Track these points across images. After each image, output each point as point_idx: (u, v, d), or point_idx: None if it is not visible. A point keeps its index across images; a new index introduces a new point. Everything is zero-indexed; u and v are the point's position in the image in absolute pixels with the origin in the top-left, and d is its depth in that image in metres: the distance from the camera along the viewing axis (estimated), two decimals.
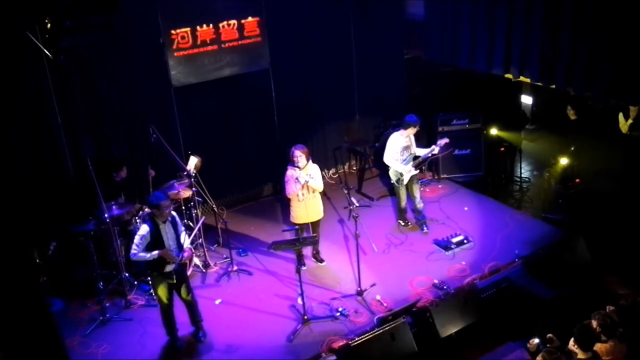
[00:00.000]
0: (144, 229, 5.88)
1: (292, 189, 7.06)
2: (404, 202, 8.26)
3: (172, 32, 7.99)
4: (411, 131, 7.83)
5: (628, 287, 6.53)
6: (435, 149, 7.85)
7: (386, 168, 8.19)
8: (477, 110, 9.73)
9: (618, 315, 5.56)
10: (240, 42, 8.54)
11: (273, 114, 9.30)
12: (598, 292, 6.51)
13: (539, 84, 7.96)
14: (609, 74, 6.64)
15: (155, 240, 5.89)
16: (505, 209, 8.78)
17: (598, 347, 5.14)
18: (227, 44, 8.45)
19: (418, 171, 8.11)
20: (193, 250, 6.17)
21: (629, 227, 7.52)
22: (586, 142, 8.61)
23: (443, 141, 7.86)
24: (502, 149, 9.60)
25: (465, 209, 8.84)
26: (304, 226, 7.29)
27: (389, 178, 8.29)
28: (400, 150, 7.89)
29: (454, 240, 7.85)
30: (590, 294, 6.40)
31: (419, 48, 9.87)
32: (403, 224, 8.44)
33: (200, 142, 8.54)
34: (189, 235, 6.47)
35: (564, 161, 8.55)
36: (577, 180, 8.61)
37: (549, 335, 5.52)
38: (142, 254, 5.87)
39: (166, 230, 5.97)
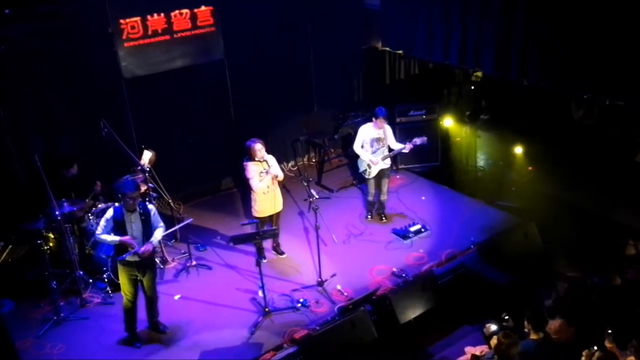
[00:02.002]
0: (109, 212, 6.15)
1: (260, 184, 7.24)
2: (371, 195, 8.58)
3: (122, 21, 7.95)
4: (380, 123, 8.07)
5: (576, 270, 7.04)
6: (408, 146, 8.11)
7: (354, 159, 8.43)
8: (434, 101, 10.12)
9: (567, 296, 6.05)
10: (193, 32, 8.58)
11: (229, 106, 9.44)
12: (549, 275, 7.00)
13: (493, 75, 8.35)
14: (563, 65, 7.04)
15: (117, 227, 6.10)
16: (461, 197, 9.27)
17: (548, 325, 5.58)
18: (179, 34, 8.47)
19: (388, 165, 8.38)
20: (154, 246, 6.29)
21: (577, 213, 8.09)
22: (539, 131, 9.16)
23: (419, 140, 8.14)
24: (458, 139, 10.05)
25: (423, 198, 9.26)
26: (265, 219, 7.49)
27: (356, 168, 8.60)
28: (369, 141, 8.17)
29: (412, 229, 8.24)
30: (542, 278, 6.89)
31: (377, 39, 10.16)
32: (369, 217, 8.76)
33: (154, 136, 8.60)
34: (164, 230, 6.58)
35: (518, 150, 9.06)
36: (530, 168, 9.15)
37: (504, 316, 5.95)
38: (104, 236, 6.12)
39: (132, 220, 6.13)
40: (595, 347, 4.97)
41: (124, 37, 8.05)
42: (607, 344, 5.25)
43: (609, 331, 5.33)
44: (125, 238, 6.08)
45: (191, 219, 7.62)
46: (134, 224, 6.15)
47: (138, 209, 6.17)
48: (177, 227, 7.22)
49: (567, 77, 6.95)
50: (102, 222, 6.15)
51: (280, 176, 7.38)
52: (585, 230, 7.67)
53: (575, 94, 7.31)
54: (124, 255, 6.13)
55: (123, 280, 6.31)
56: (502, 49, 7.64)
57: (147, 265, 6.31)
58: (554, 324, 5.56)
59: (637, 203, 7.90)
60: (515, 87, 8.65)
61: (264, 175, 7.20)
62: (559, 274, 6.99)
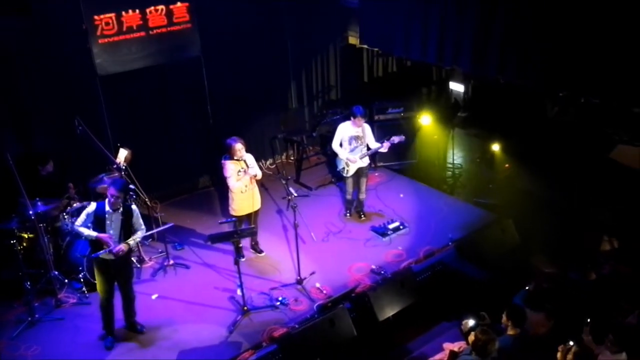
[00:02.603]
0: (91, 206, 6.14)
1: (238, 183, 7.22)
2: (349, 194, 8.63)
3: (96, 17, 7.86)
4: (359, 122, 8.10)
5: (553, 265, 7.18)
6: (386, 145, 8.16)
7: (332, 157, 8.46)
8: (412, 99, 10.21)
9: (544, 292, 6.16)
10: (169, 29, 8.51)
11: (206, 104, 9.41)
12: (526, 271, 7.12)
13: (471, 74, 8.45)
14: (540, 63, 7.14)
15: (96, 223, 6.08)
16: (438, 194, 9.39)
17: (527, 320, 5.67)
18: (155, 31, 8.40)
19: (366, 164, 8.43)
20: (127, 247, 6.24)
21: (554, 209, 8.24)
22: (516, 129, 9.30)
23: (397, 138, 8.20)
24: (436, 136, 10.16)
25: (401, 195, 9.34)
26: (242, 218, 7.49)
27: (335, 166, 8.62)
28: (348, 139, 8.21)
29: (391, 226, 8.31)
30: (519, 274, 7.00)
31: (355, 36, 10.19)
32: (348, 215, 8.80)
33: (130, 134, 8.56)
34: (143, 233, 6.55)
35: (495, 147, 9.20)
36: (507, 165, 9.29)
37: (482, 313, 6.03)
38: (81, 229, 6.09)
39: (112, 219, 6.09)
40: (572, 342, 5.07)
41: (98, 33, 7.96)
42: (584, 338, 5.36)
43: (586, 326, 5.45)
44: (102, 235, 6.04)
45: (172, 224, 7.57)
46: (113, 222, 6.12)
47: (121, 208, 6.12)
48: (155, 230, 7.16)
49: (543, 75, 7.06)
50: (83, 215, 6.15)
51: (259, 175, 7.39)
52: (561, 226, 7.82)
53: (551, 91, 7.43)
54: (99, 253, 6.09)
55: (98, 278, 6.29)
56: (479, 47, 7.72)
57: (122, 265, 6.27)
58: (532, 319, 5.66)
59: (612, 200, 8.08)
60: (492, 84, 8.77)
61: (242, 175, 7.19)
62: (536, 270, 7.10)
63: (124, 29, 8.15)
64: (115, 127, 8.49)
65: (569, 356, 4.95)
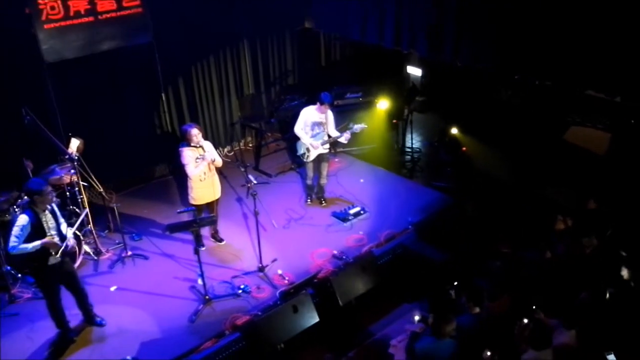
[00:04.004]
0: (23, 219, 5.73)
1: (196, 170, 7.17)
2: (309, 179, 8.69)
3: (40, 1, 7.64)
4: (324, 108, 8.12)
5: (509, 245, 7.43)
6: (348, 135, 8.23)
7: (292, 143, 8.47)
8: (370, 83, 10.32)
9: (502, 271, 6.39)
10: (118, 14, 8.37)
11: (160, 90, 9.31)
12: (484, 251, 7.35)
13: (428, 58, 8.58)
14: (494, 47, 7.30)
15: (36, 231, 5.77)
16: (398, 178, 9.58)
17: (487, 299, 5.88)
18: (104, 15, 8.25)
19: (327, 150, 8.50)
20: (75, 240, 6.14)
21: (510, 191, 8.52)
22: (472, 112, 9.54)
23: (358, 127, 8.28)
24: (395, 121, 10.31)
25: (361, 180, 9.48)
26: (203, 207, 7.46)
27: (295, 151, 8.67)
28: (310, 124, 8.25)
29: (351, 211, 8.44)
30: (477, 254, 7.23)
31: (311, 20, 10.20)
32: (309, 201, 8.88)
33: (82, 123, 8.40)
34: (73, 225, 6.46)
35: (453, 131, 9.42)
36: (464, 148, 9.53)
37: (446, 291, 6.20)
38: (23, 246, 5.70)
39: (47, 220, 5.89)
40: (527, 320, 5.29)
41: (44, 18, 7.75)
42: (540, 314, 5.60)
43: (540, 303, 5.69)
44: (47, 240, 5.81)
45: (87, 210, 7.40)
46: (50, 222, 5.92)
47: (49, 206, 5.92)
48: (81, 217, 7.03)
49: (498, 58, 7.25)
50: (16, 231, 5.67)
51: (219, 162, 7.37)
52: (517, 207, 8.09)
53: (505, 74, 7.63)
54: (51, 260, 5.90)
55: (44, 281, 6.10)
56: (435, 31, 7.86)
57: (66, 265, 6.16)
58: (493, 297, 5.87)
59: (566, 180, 8.40)
60: (449, 68, 8.94)
61: (200, 162, 7.16)
62: (493, 249, 7.34)
63: (71, 13, 7.98)
64: (65, 116, 8.32)
65: (526, 332, 5.19)
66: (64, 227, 6.13)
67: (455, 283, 6.19)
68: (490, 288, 5.95)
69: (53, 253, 5.88)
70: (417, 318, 5.96)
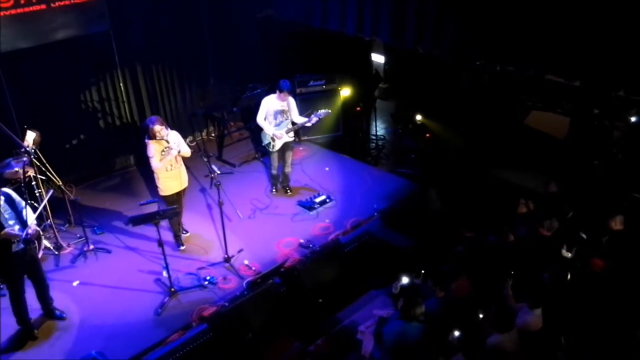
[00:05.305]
0: None
1: (160, 164, 7.08)
2: (274, 169, 8.70)
3: None
4: (284, 96, 8.13)
5: (473, 230, 7.61)
6: (314, 119, 8.28)
7: (255, 132, 8.44)
8: (333, 71, 10.35)
9: (465, 255, 6.55)
10: (72, 1, 8.23)
11: (118, 80, 9.19)
12: (448, 237, 7.51)
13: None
14: (456, 33, 7.39)
15: None
16: (363, 166, 9.69)
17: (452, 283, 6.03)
18: (57, 3, 8.09)
19: (292, 139, 8.52)
20: (38, 228, 6.07)
21: (473, 176, 8.70)
22: (435, 99, 9.69)
23: (323, 112, 8.31)
24: (359, 108, 10.39)
25: (327, 169, 9.55)
26: (172, 197, 7.35)
27: (260, 141, 8.66)
28: (273, 114, 8.24)
29: (317, 200, 8.51)
30: (442, 239, 7.39)
31: (273, 7, 10.18)
32: (274, 190, 8.89)
33: (38, 115, 8.26)
34: (36, 211, 6.37)
35: (416, 117, 9.56)
36: (427, 135, 9.68)
37: (413, 276, 6.33)
38: None
39: (1, 211, 5.82)
40: (492, 303, 5.45)
41: None
42: (505, 296, 5.78)
43: (506, 285, 5.87)
44: (6, 231, 5.75)
45: (52, 191, 7.32)
46: (5, 212, 5.84)
47: (2, 197, 5.85)
48: (45, 201, 6.94)
49: (460, 45, 7.37)
50: None
51: (185, 152, 7.28)
52: (479, 192, 8.28)
53: (468, 61, 7.77)
54: (13, 249, 5.84)
55: (9, 274, 6.04)
56: (397, 18, 7.92)
57: (30, 255, 6.09)
58: (456, 281, 6.02)
59: (527, 164, 8.62)
60: (411, 55, 9.05)
61: (166, 154, 7.08)
62: (457, 234, 7.50)
63: (22, 1, 7.80)
64: (20, 107, 8.15)
65: (491, 316, 5.36)
66: (25, 212, 6.04)
67: (423, 271, 6.32)
68: (452, 271, 6.13)
69: (15, 242, 5.82)
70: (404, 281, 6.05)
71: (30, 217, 6.04)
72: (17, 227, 5.86)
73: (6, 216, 5.83)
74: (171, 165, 7.19)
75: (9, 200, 5.92)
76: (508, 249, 6.64)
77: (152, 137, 6.99)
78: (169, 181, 7.28)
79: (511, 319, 5.26)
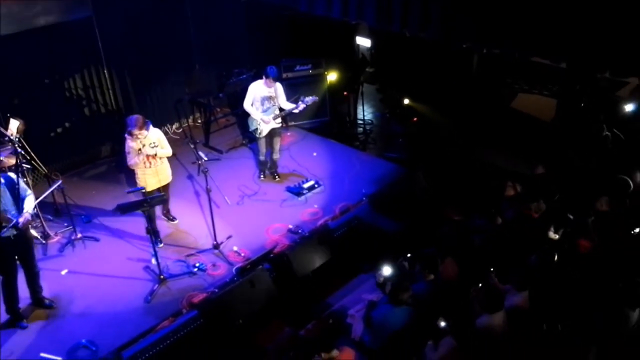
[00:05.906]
0: None
1: (135, 161, 7.00)
2: (262, 155, 8.70)
3: None
4: (271, 82, 8.11)
5: (461, 213, 7.68)
6: (301, 106, 8.28)
7: (242, 118, 8.41)
8: (319, 55, 10.32)
9: (453, 238, 6.62)
10: None
11: (102, 67, 9.11)
12: (436, 220, 7.58)
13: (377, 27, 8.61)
14: (442, 16, 7.40)
15: None
16: (351, 151, 9.72)
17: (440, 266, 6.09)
18: None
19: (279, 125, 8.50)
20: (29, 216, 6.06)
21: (460, 159, 8.76)
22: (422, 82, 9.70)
23: (311, 99, 8.31)
24: (345, 93, 10.39)
25: (315, 154, 9.56)
26: (153, 192, 7.27)
27: (247, 127, 8.64)
28: (260, 100, 8.22)
29: (306, 185, 8.54)
30: (430, 223, 7.45)
31: None
32: (262, 176, 8.89)
33: (21, 103, 8.20)
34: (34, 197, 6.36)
35: (403, 101, 9.59)
36: (414, 119, 9.72)
37: (400, 261, 6.39)
38: None
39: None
40: (481, 284, 5.52)
41: None
42: (492, 280, 5.84)
43: (493, 267, 5.94)
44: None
45: (60, 181, 7.35)
46: (3, 197, 5.87)
47: (2, 180, 5.88)
48: (50, 190, 6.92)
49: (446, 27, 7.37)
50: None
51: (165, 153, 7.15)
52: (467, 175, 8.34)
53: (454, 43, 7.77)
54: (2, 232, 5.86)
55: (1, 257, 6.04)
56: (383, 0, 7.90)
57: (23, 239, 6.11)
58: (443, 264, 6.09)
59: (514, 147, 8.68)
60: (397, 38, 9.04)
61: (141, 154, 6.93)
62: (445, 217, 7.57)
63: None
64: (2, 95, 8.06)
65: (480, 296, 5.42)
66: (30, 200, 6.08)
67: (409, 255, 6.37)
68: (437, 254, 6.19)
69: (4, 226, 5.83)
70: (385, 274, 6.10)
71: (28, 205, 6.04)
72: (13, 212, 5.89)
73: (4, 201, 5.84)
74: (150, 163, 7.08)
75: (10, 184, 5.93)
76: (496, 232, 6.71)
77: (130, 134, 6.87)
78: (147, 178, 7.17)
79: (500, 299, 5.33)
